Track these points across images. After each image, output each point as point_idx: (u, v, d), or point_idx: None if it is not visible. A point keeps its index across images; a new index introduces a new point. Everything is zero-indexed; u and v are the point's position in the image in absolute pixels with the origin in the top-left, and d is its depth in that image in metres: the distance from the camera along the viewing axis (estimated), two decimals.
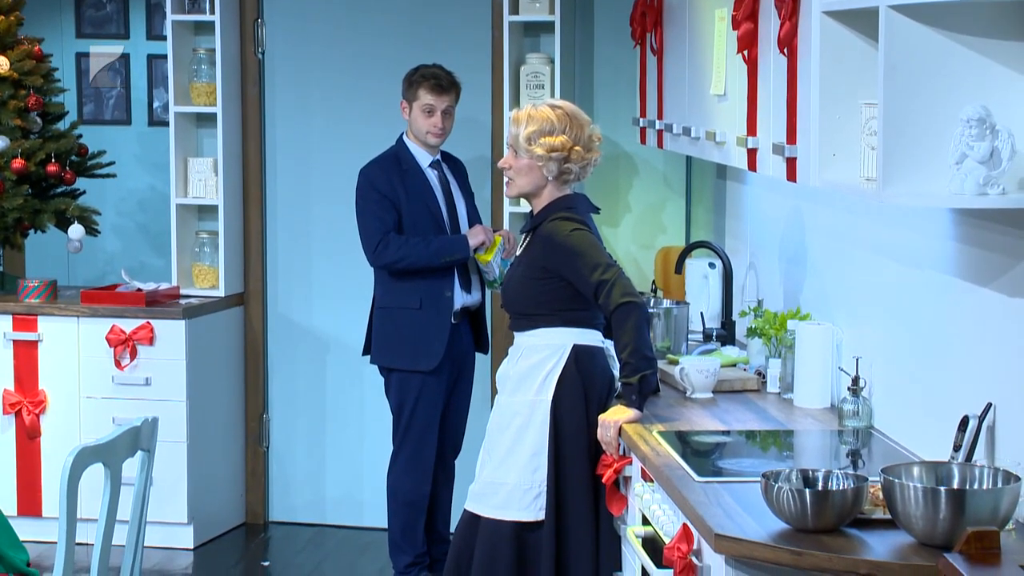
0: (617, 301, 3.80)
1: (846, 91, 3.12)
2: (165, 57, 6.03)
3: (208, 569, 5.60)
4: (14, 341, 5.74)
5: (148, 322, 5.65)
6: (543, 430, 3.94)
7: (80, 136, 6.00)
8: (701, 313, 4.84)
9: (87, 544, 3.49)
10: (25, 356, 5.73)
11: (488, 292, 5.30)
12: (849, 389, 3.75)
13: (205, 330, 5.79)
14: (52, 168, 5.82)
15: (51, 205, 5.87)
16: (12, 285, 5.95)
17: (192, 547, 5.75)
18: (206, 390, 5.80)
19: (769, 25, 3.54)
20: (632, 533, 3.58)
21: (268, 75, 6.03)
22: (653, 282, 5.52)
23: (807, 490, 2.83)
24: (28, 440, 5.75)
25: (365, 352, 5.23)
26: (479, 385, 5.52)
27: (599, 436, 3.85)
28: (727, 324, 4.74)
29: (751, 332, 4.36)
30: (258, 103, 6.02)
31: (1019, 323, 2.94)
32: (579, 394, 3.95)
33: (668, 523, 3.32)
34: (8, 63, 5.77)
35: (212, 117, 5.91)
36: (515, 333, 4.07)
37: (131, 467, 3.38)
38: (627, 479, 3.82)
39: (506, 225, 5.66)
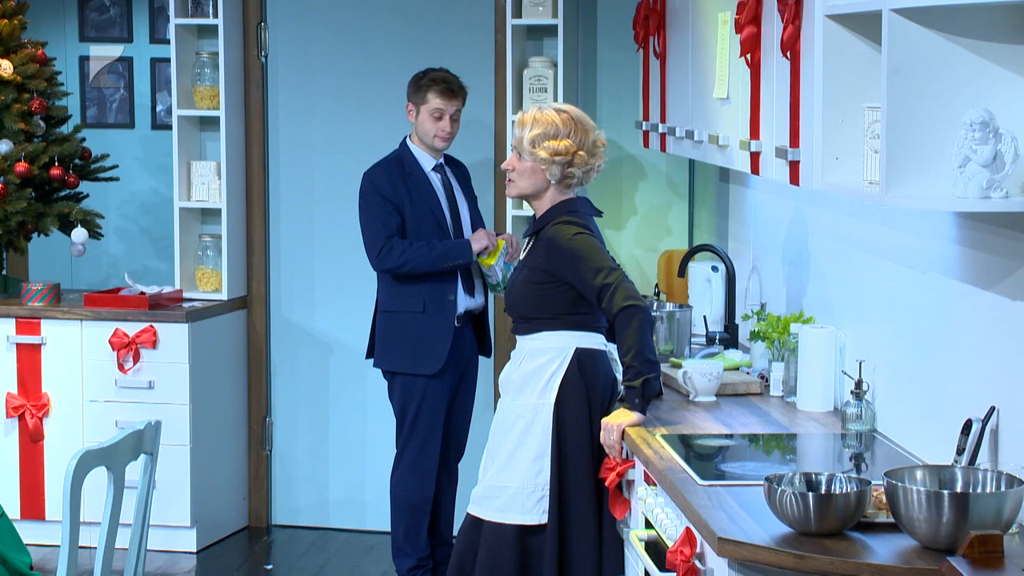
0: (620, 305, 3.80)
1: (849, 94, 3.12)
2: (168, 60, 6.03)
3: (211, 573, 5.60)
4: (17, 344, 5.74)
5: (151, 325, 5.65)
6: (546, 434, 3.94)
7: (83, 139, 6.01)
8: (704, 316, 4.84)
9: (90, 547, 3.49)
10: (28, 359, 5.74)
11: (491, 295, 5.30)
12: (852, 392, 3.75)
13: (208, 333, 5.79)
14: (55, 171, 5.83)
15: (54, 208, 5.88)
16: (15, 288, 5.96)
17: (195, 551, 5.75)
18: (209, 393, 5.80)
19: (772, 29, 3.54)
20: (635, 537, 3.58)
21: (271, 79, 6.03)
22: (656, 285, 5.52)
23: (810, 493, 2.83)
24: (31, 443, 5.75)
25: (368, 355, 5.23)
26: (482, 388, 5.53)
27: (602, 440, 3.85)
28: (730, 327, 4.74)
29: (754, 335, 4.36)
30: (261, 106, 6.02)
31: (1022, 326, 2.94)
32: (582, 397, 3.95)
33: (671, 527, 3.32)
34: (12, 67, 5.78)
35: (215, 120, 5.91)
36: (518, 336, 4.07)
37: (134, 470, 3.38)
38: (630, 483, 3.82)
39: (509, 229, 5.66)
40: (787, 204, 4.61)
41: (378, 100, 5.95)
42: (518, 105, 5.66)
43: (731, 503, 3.07)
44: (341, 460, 6.07)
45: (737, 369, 4.38)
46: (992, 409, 3.03)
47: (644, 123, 5.31)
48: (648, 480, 3.58)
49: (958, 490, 2.79)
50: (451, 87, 5.05)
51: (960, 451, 3.05)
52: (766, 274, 4.86)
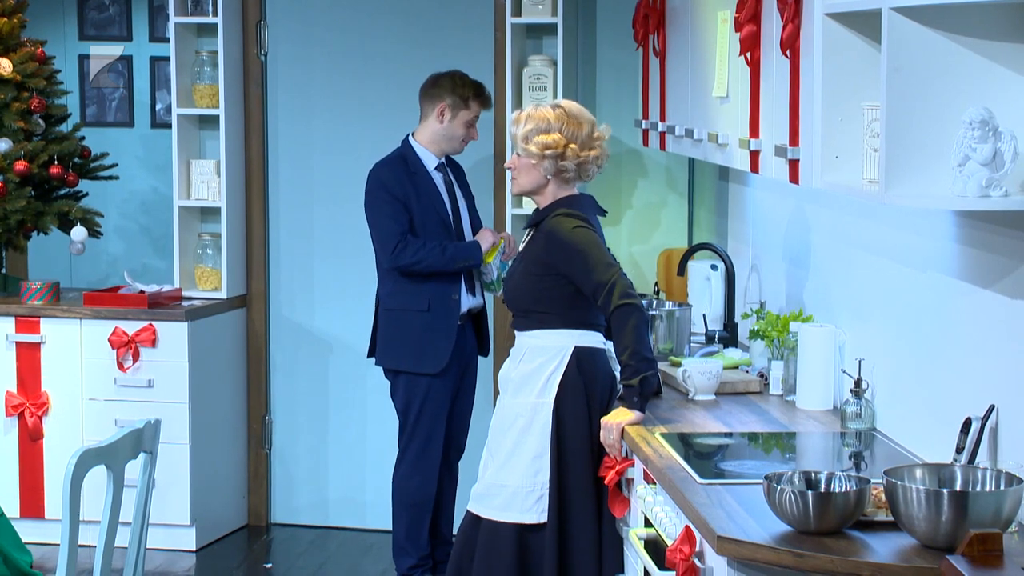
0: (615, 303, 3.80)
1: (848, 93, 3.12)
2: (168, 59, 6.03)
3: (210, 571, 5.60)
4: (17, 343, 5.74)
5: (151, 324, 5.65)
6: (545, 433, 3.94)
7: (83, 138, 6.01)
8: (703, 315, 4.84)
9: (89, 546, 3.49)
10: (28, 358, 5.74)
11: (489, 295, 5.30)
12: (851, 391, 3.75)
13: (208, 332, 5.79)
14: (55, 170, 5.83)
15: (54, 207, 5.87)
16: (15, 287, 5.96)
17: (194, 549, 5.75)
18: (208, 392, 5.80)
19: (772, 27, 3.54)
20: (635, 535, 3.58)
21: (270, 77, 6.03)
22: (655, 284, 5.52)
23: (809, 492, 2.83)
24: (31, 442, 5.75)
25: (370, 354, 5.23)
26: (481, 385, 5.52)
27: (602, 439, 3.85)
28: (729, 326, 4.74)
29: (753, 334, 4.36)
30: (260, 105, 6.02)
31: (1022, 325, 2.94)
32: (581, 396, 3.95)
33: (670, 525, 3.32)
34: (11, 65, 5.78)
35: (215, 119, 5.91)
36: (516, 332, 4.07)
37: (133, 469, 3.38)
38: (629, 481, 3.82)
39: (508, 228, 5.66)
40: (787, 203, 4.61)
41: (378, 99, 5.95)
42: (518, 104, 5.65)
43: (730, 502, 3.07)
44: (340, 459, 6.07)
45: (736, 368, 4.38)
46: (991, 408, 3.03)
47: (643, 121, 5.31)
48: (648, 479, 3.58)
49: (957, 489, 2.79)
50: (489, 98, 5.16)
51: (959, 450, 3.05)
52: (765, 273, 4.86)
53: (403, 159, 5.11)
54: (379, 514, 5.96)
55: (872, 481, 2.92)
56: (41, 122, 5.89)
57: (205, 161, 5.93)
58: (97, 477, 3.35)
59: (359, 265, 5.76)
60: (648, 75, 5.25)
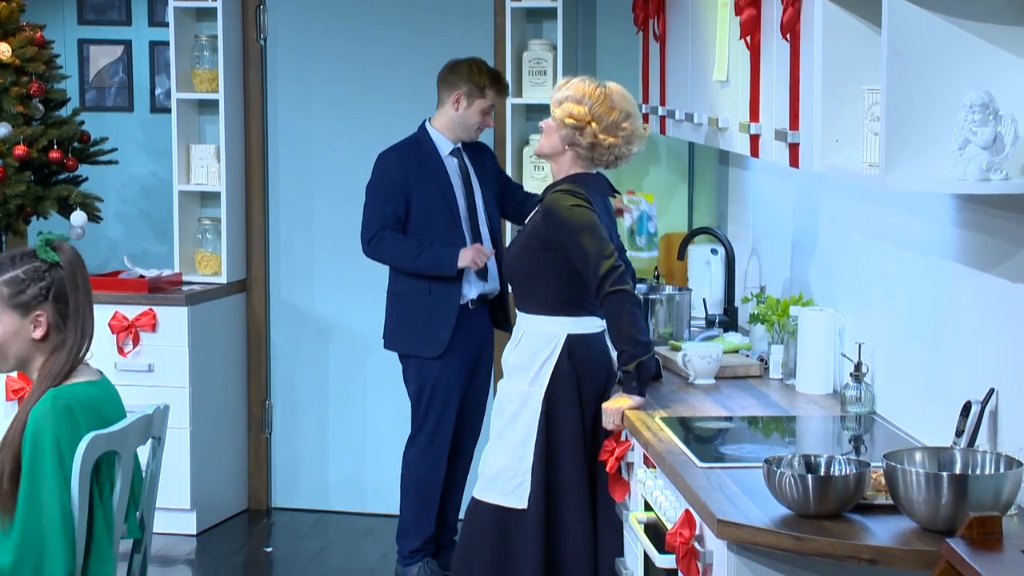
0: (605, 291, 3.80)
1: (849, 77, 3.12)
2: (167, 44, 6.02)
3: (211, 555, 5.62)
4: None
5: (151, 309, 5.66)
6: (533, 420, 3.96)
7: (82, 123, 5.99)
8: (703, 299, 4.84)
9: None
10: None
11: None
12: (851, 375, 3.75)
13: (208, 317, 5.79)
14: (54, 155, 5.82)
15: (53, 192, 5.87)
16: None
17: (195, 533, 5.76)
18: (209, 376, 5.80)
19: (772, 11, 3.54)
20: (634, 519, 3.59)
21: (270, 62, 6.02)
22: (656, 268, 5.52)
23: (809, 476, 2.83)
24: None
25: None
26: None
27: (604, 424, 3.86)
28: (729, 310, 4.74)
29: (753, 318, 4.37)
30: (260, 90, 6.01)
31: (1022, 309, 2.94)
32: (573, 385, 3.96)
33: (670, 509, 3.32)
34: (10, 50, 5.77)
35: (214, 104, 5.91)
36: (518, 311, 4.08)
37: (141, 454, 3.38)
38: (629, 465, 3.83)
39: None
40: (787, 187, 4.61)
41: (377, 83, 5.94)
42: (517, 88, 5.65)
43: (730, 485, 3.08)
44: (341, 443, 6.07)
45: (736, 352, 4.38)
46: (991, 391, 3.03)
47: (643, 106, 5.31)
48: (647, 463, 3.59)
49: (957, 472, 2.80)
50: (506, 86, 5.14)
51: (959, 433, 3.05)
52: (766, 257, 4.86)
53: (416, 143, 5.10)
54: (380, 498, 5.97)
55: (872, 464, 2.93)
56: (40, 107, 5.88)
57: (205, 146, 5.93)
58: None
59: (359, 249, 5.74)
60: (648, 59, 5.24)
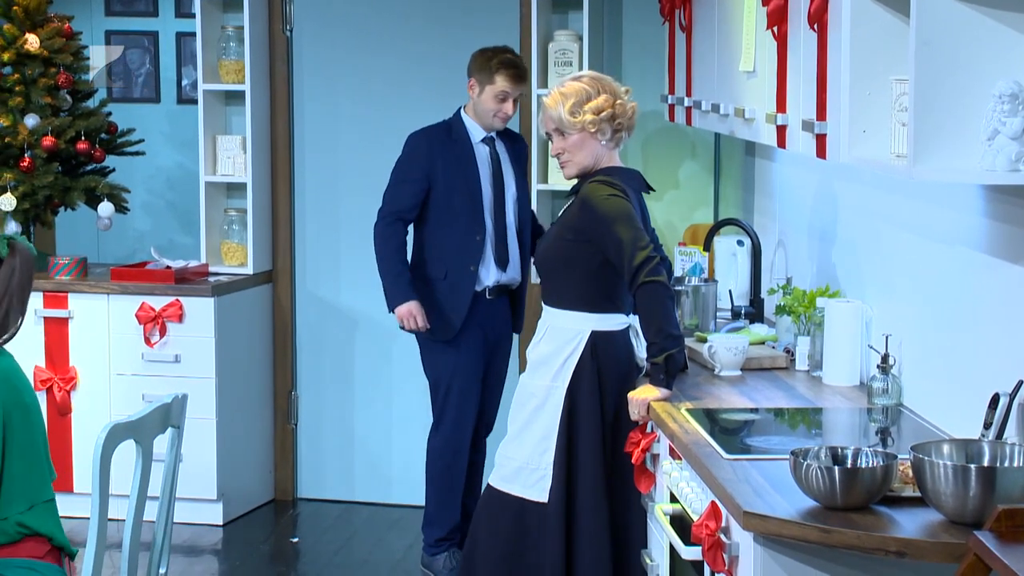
0: (641, 280, 3.80)
1: (877, 67, 3.10)
2: (194, 35, 6.03)
3: (237, 545, 5.64)
4: (45, 318, 5.77)
5: (177, 299, 5.67)
6: (555, 415, 3.96)
7: (109, 114, 6.02)
8: (730, 291, 4.83)
9: (118, 520, 3.51)
10: (56, 333, 5.77)
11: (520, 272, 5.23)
12: (878, 367, 3.74)
13: (234, 307, 5.81)
14: (82, 146, 5.85)
15: (81, 183, 5.90)
16: (43, 262, 5.98)
17: (221, 523, 5.78)
18: (235, 367, 5.82)
19: (799, 1, 3.52)
20: (660, 510, 3.59)
21: (296, 52, 6.03)
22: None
23: (836, 468, 2.82)
24: (59, 416, 5.79)
25: None
26: (510, 364, 5.51)
27: (630, 414, 3.86)
28: (756, 302, 4.73)
29: (780, 310, 4.35)
30: (286, 80, 6.02)
31: None
32: (594, 381, 3.96)
33: (696, 500, 3.32)
34: (38, 41, 5.79)
35: (240, 95, 5.92)
36: (543, 304, 4.08)
37: (161, 443, 3.40)
38: (655, 457, 3.83)
39: (534, 203, 5.66)
40: (813, 178, 4.59)
41: (403, 73, 5.94)
42: (543, 79, 5.64)
43: (756, 477, 3.07)
44: (367, 433, 6.09)
45: (763, 343, 4.37)
46: (1020, 383, 3.01)
47: (670, 97, 5.29)
48: (673, 454, 3.58)
49: (985, 464, 2.78)
50: (520, 73, 5.05)
51: (987, 425, 3.04)
52: (792, 248, 4.85)
53: (448, 128, 5.10)
54: (405, 489, 5.98)
55: (899, 457, 2.91)
56: (68, 98, 5.91)
57: (231, 137, 5.94)
58: (125, 451, 3.37)
59: None
60: (674, 50, 5.22)
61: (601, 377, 3.96)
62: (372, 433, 6.09)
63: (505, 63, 5.03)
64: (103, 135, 5.98)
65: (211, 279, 5.82)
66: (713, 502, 3.15)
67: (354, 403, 6.11)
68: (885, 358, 3.72)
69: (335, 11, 6.00)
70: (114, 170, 6.07)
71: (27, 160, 5.77)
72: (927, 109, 2.77)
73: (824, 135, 3.35)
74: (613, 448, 3.97)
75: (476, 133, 5.08)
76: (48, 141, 5.76)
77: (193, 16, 6.00)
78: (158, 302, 5.68)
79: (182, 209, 6.60)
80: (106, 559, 3.28)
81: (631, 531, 4.00)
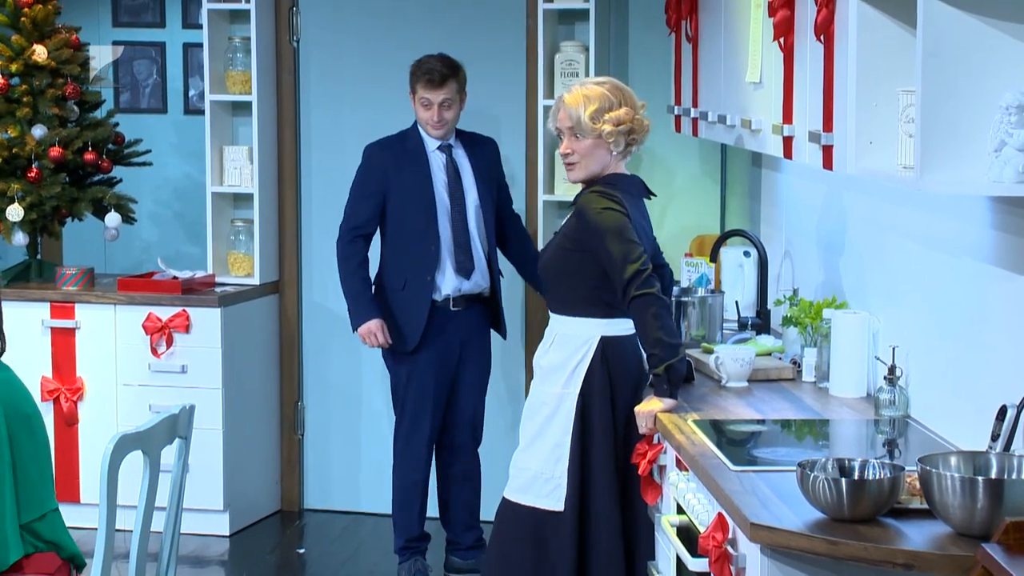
0: (631, 294, 3.79)
1: (883, 78, 3.10)
2: (201, 46, 6.04)
3: (243, 556, 5.63)
4: (52, 328, 5.78)
5: (184, 310, 5.68)
6: (568, 423, 3.95)
7: (117, 125, 6.03)
8: (736, 302, 4.83)
9: (125, 531, 3.51)
10: (63, 343, 5.77)
11: (501, 279, 5.22)
12: (885, 378, 3.73)
13: (240, 318, 5.82)
14: (89, 156, 5.86)
15: (88, 193, 5.91)
16: (50, 273, 6.00)
17: (228, 534, 5.78)
18: (241, 378, 5.82)
19: (806, 12, 3.52)
20: (667, 522, 3.58)
21: (303, 63, 6.04)
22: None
23: (843, 479, 2.82)
24: (66, 427, 5.79)
25: None
26: (514, 372, 5.52)
27: (638, 428, 3.85)
28: (762, 313, 4.73)
29: (786, 321, 4.35)
30: (293, 91, 6.03)
31: None
32: (606, 387, 3.95)
33: (703, 512, 3.31)
34: (46, 52, 5.81)
35: (247, 105, 5.93)
36: (550, 313, 4.08)
37: (168, 454, 3.40)
38: (662, 468, 3.82)
39: (540, 214, 5.66)
40: (820, 189, 4.59)
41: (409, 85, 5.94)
42: (549, 90, 5.64)
43: (763, 489, 3.07)
44: (373, 444, 6.08)
45: (769, 355, 4.37)
46: None
47: (676, 107, 5.29)
48: (680, 465, 3.58)
49: (992, 476, 2.78)
50: (434, 78, 5.04)
51: (995, 437, 3.03)
52: (798, 259, 4.84)
53: (403, 137, 5.15)
54: None
55: (906, 469, 2.91)
56: (75, 108, 5.93)
57: (238, 147, 5.95)
58: (131, 462, 3.37)
59: None
60: (681, 61, 5.23)
61: (612, 382, 3.96)
62: (379, 444, 6.08)
63: (423, 70, 5.07)
64: (110, 146, 6.00)
65: (218, 289, 5.83)
66: (720, 514, 3.15)
67: (360, 413, 6.11)
68: (892, 369, 3.71)
69: (342, 22, 6.01)
70: (121, 180, 6.08)
71: (34, 171, 5.78)
72: (934, 120, 2.77)
73: (831, 146, 3.35)
74: (625, 453, 3.96)
75: (431, 141, 5.11)
76: (55, 152, 5.78)
77: (200, 27, 6.02)
78: (165, 312, 5.69)
79: (189, 220, 6.61)
80: (113, 570, 3.28)
81: (640, 540, 4.00)
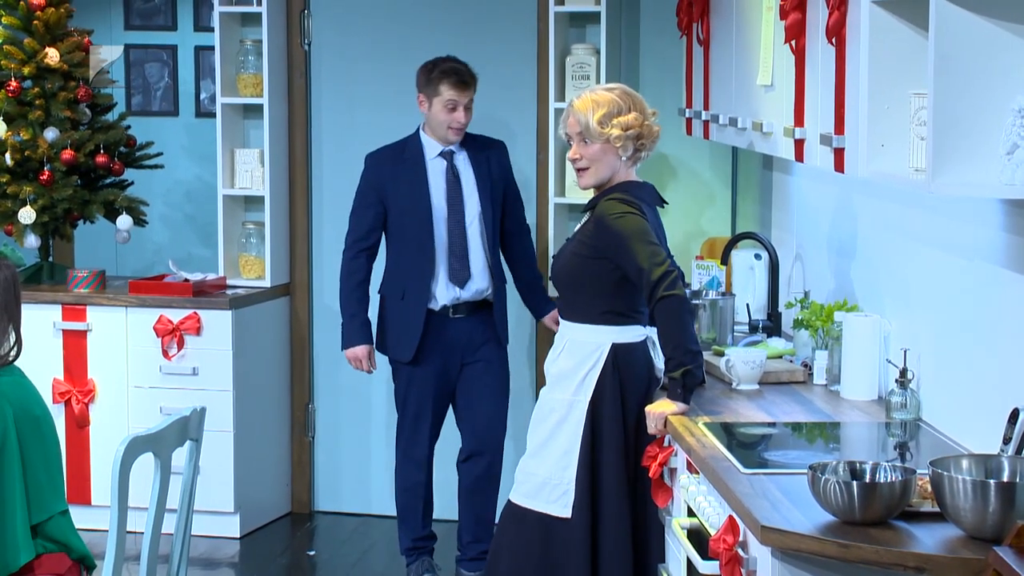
0: (659, 295, 3.79)
1: (895, 81, 3.10)
2: (212, 49, 6.05)
3: (254, 558, 5.64)
4: (63, 331, 5.79)
5: (195, 312, 5.69)
6: (578, 429, 3.95)
7: (128, 127, 6.05)
8: (747, 304, 4.82)
9: (136, 532, 3.52)
10: (74, 346, 5.79)
11: (497, 289, 5.19)
12: (897, 381, 3.73)
13: (251, 320, 5.82)
14: (101, 159, 5.87)
15: (100, 196, 5.92)
16: (62, 275, 6.01)
17: (238, 536, 5.79)
18: (252, 380, 5.83)
19: (817, 14, 3.52)
20: (677, 525, 3.58)
21: (314, 66, 6.05)
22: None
23: (854, 482, 2.81)
24: (77, 429, 5.80)
25: None
26: (520, 378, 5.51)
27: (648, 428, 3.85)
28: (773, 315, 4.72)
29: (797, 323, 4.34)
30: (304, 94, 6.04)
31: None
32: (616, 394, 3.95)
33: (714, 515, 3.31)
34: (58, 55, 5.82)
35: (259, 108, 5.94)
36: (561, 319, 4.08)
37: (179, 456, 3.41)
38: (672, 471, 3.82)
39: (551, 216, 5.66)
40: (831, 191, 4.58)
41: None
42: (560, 93, 5.65)
43: (774, 491, 3.06)
44: (383, 446, 6.09)
45: (780, 357, 4.36)
46: None
47: (687, 110, 5.29)
48: (691, 468, 3.58)
49: (1004, 479, 2.77)
50: (463, 78, 5.02)
51: (1007, 440, 3.03)
52: (809, 262, 4.84)
53: (402, 146, 5.14)
54: None
55: (918, 471, 2.90)
56: (87, 111, 5.94)
57: (249, 150, 5.96)
58: (143, 464, 3.38)
59: None
60: (692, 63, 5.23)
61: (623, 389, 3.96)
62: (389, 446, 6.08)
63: (447, 71, 5.02)
64: (122, 148, 6.01)
65: (229, 292, 5.83)
66: (731, 516, 3.14)
67: (371, 415, 6.11)
68: (903, 372, 3.71)
69: (353, 25, 6.01)
70: (133, 183, 6.10)
71: (47, 173, 5.79)
72: (946, 123, 2.77)
73: (842, 149, 3.35)
74: (635, 460, 3.96)
75: (431, 149, 5.09)
76: (67, 154, 5.79)
77: (212, 30, 6.02)
78: (176, 315, 5.70)
79: (200, 222, 6.62)
80: (124, 572, 3.28)
81: (651, 545, 3.99)
